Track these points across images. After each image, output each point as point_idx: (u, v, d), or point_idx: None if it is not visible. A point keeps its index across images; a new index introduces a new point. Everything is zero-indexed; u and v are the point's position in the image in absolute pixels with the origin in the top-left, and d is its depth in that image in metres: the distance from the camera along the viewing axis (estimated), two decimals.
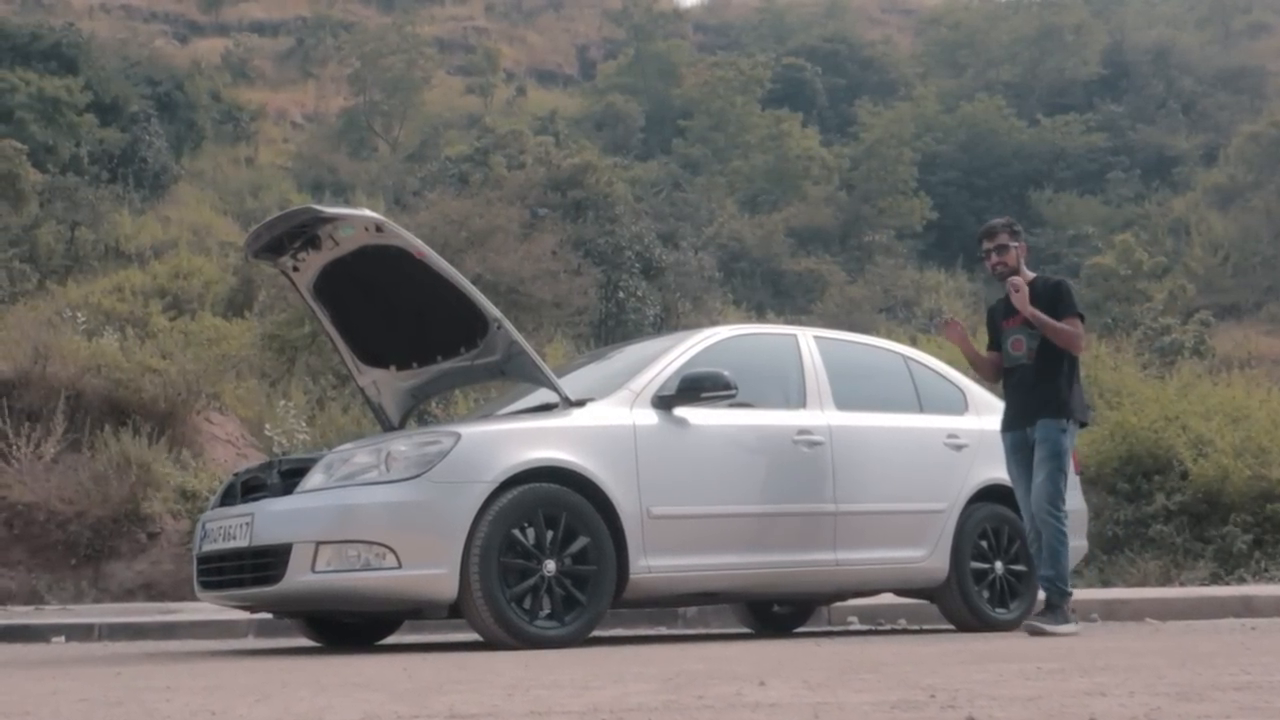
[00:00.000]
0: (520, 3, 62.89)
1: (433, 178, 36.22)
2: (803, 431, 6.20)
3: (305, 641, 6.72)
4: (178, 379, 12.80)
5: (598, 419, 5.64)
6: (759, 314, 31.94)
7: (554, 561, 5.31)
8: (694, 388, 5.77)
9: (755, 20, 60.44)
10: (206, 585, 5.76)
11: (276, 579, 5.16)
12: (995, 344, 6.60)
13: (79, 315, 16.70)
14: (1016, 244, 6.44)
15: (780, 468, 6.10)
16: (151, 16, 56.39)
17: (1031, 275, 6.47)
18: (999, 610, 6.75)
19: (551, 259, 22.12)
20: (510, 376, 6.21)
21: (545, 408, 5.84)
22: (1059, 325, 6.23)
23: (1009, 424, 6.40)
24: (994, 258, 6.43)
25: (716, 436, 5.93)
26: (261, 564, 5.25)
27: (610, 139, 45.79)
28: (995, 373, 6.60)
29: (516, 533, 5.23)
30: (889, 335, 21.82)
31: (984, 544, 6.75)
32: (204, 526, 5.73)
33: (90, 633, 8.13)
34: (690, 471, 5.81)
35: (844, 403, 6.45)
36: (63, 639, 7.94)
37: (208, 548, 5.62)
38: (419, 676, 3.72)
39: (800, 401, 6.36)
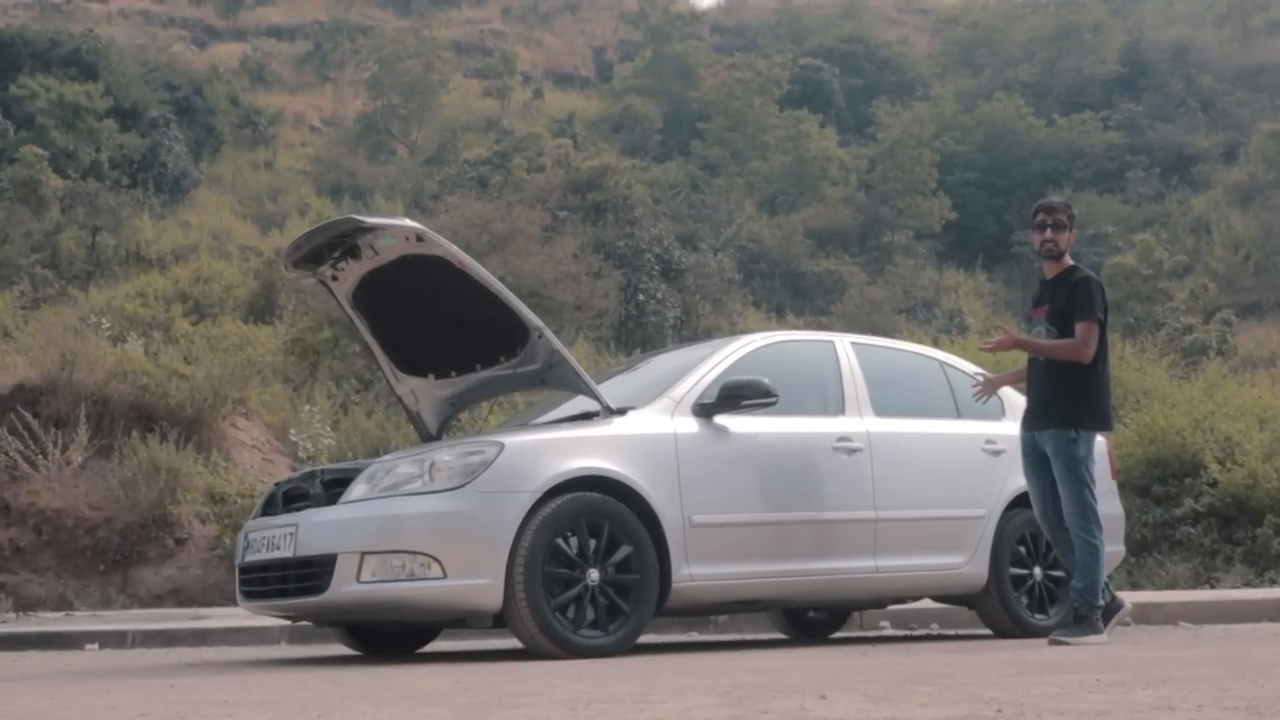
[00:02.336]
0: (536, 5, 62.90)
1: (452, 181, 36.33)
2: (842, 438, 6.19)
3: (339, 650, 6.74)
4: (204, 384, 12.84)
5: (639, 427, 5.64)
6: (779, 315, 31.89)
7: (597, 571, 5.31)
8: (734, 395, 5.77)
9: (772, 21, 60.26)
10: (250, 595, 5.78)
11: (321, 589, 5.18)
12: None
13: (104, 321, 16.77)
14: (1072, 227, 6.29)
15: (820, 475, 6.10)
16: (169, 22, 56.56)
17: (1070, 263, 6.30)
18: (1038, 616, 6.73)
19: (573, 262, 22.14)
20: (550, 385, 6.22)
21: (585, 416, 5.85)
22: (1051, 347, 6.08)
23: (1024, 422, 6.26)
24: (1049, 233, 6.20)
25: (756, 444, 5.93)
26: (306, 574, 5.27)
27: (628, 141, 45.76)
28: None
29: (560, 542, 5.24)
30: (910, 336, 21.79)
31: (1022, 549, 6.74)
32: (246, 537, 5.75)
33: (123, 639, 8.16)
34: (731, 479, 5.81)
35: (882, 409, 6.44)
36: (96, 646, 7.97)
37: (251, 558, 5.63)
38: (473, 689, 3.72)
39: (839, 408, 6.35)
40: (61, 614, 10.16)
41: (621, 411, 5.70)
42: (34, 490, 11.27)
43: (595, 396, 5.74)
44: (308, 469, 6.09)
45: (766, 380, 5.77)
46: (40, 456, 11.30)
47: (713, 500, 5.69)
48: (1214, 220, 38.96)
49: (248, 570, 5.72)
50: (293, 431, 14.07)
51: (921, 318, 31.60)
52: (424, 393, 6.50)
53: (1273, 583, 11.58)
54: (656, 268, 27.73)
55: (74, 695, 3.82)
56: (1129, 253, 32.83)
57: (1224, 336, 27.79)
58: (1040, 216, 6.27)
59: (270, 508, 5.83)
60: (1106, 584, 6.26)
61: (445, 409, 6.58)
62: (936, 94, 47.10)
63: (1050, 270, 6.30)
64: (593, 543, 5.32)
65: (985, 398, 6.44)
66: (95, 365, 12.59)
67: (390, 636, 6.35)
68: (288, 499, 5.74)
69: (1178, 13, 56.02)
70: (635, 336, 25.23)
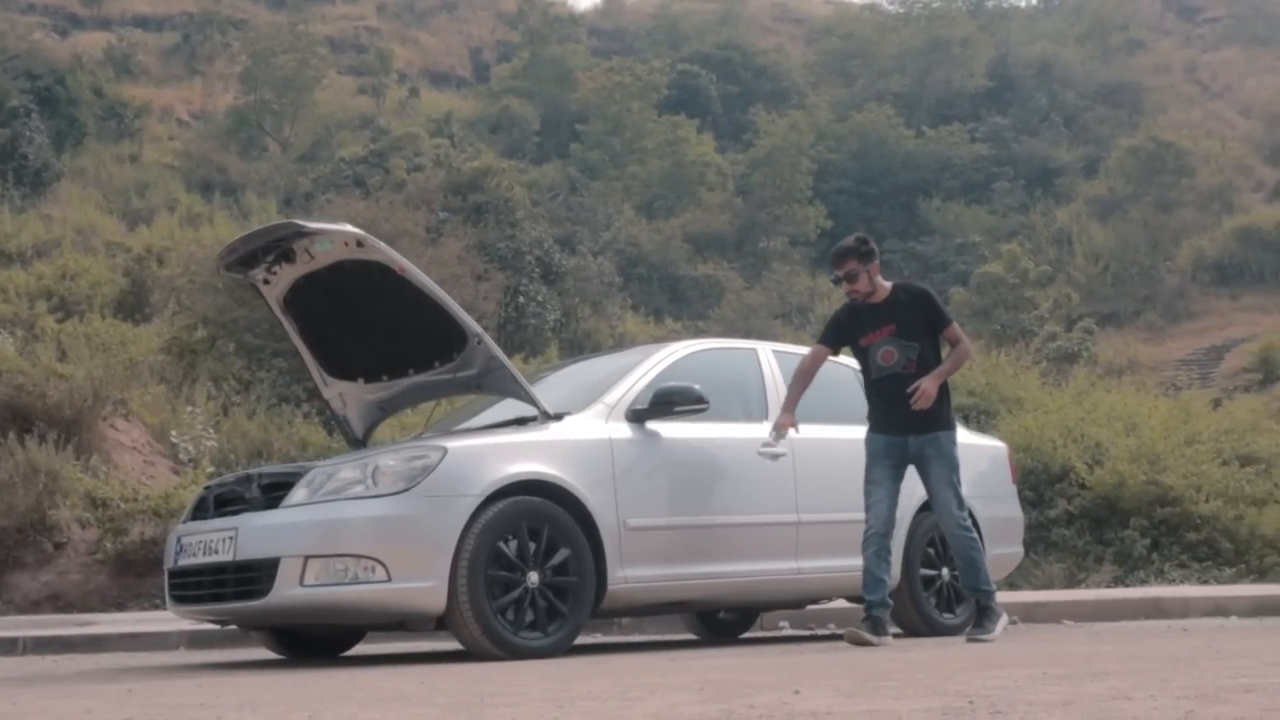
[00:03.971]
0: (413, 3, 62.30)
1: (326, 180, 35.88)
2: (766, 444, 6.37)
3: (257, 654, 6.72)
4: (84, 384, 12.56)
5: (576, 433, 5.75)
6: (657, 319, 32.18)
7: (537, 573, 5.41)
8: (666, 402, 5.91)
9: (650, 26, 60.65)
10: (181, 600, 5.73)
11: (263, 593, 5.18)
12: (843, 347, 6.52)
13: None
14: (868, 266, 6.24)
15: (746, 479, 6.28)
16: (29, 8, 54.66)
17: (889, 286, 6.36)
18: (945, 615, 7.00)
19: (457, 264, 22.02)
20: (486, 390, 6.27)
21: (519, 421, 5.93)
22: (954, 364, 6.28)
23: (885, 428, 6.30)
24: (846, 287, 6.27)
25: (686, 449, 6.08)
26: (246, 578, 5.26)
27: (505, 142, 45.63)
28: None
29: (501, 545, 5.32)
30: (788, 342, 22.15)
31: (931, 551, 7.00)
32: (179, 540, 5.69)
33: (14, 646, 7.97)
34: (663, 484, 5.95)
35: (803, 415, 6.61)
36: None
37: (185, 562, 5.59)
38: (444, 689, 3.79)
39: (762, 414, 6.53)
40: None
41: (558, 417, 5.80)
42: None
43: (533, 402, 5.83)
44: (241, 472, 6.05)
45: (698, 387, 5.92)
46: None
47: (646, 504, 5.83)
48: (1075, 232, 40.37)
49: (180, 574, 5.67)
50: (174, 433, 13.85)
51: (796, 323, 32.16)
52: (353, 396, 6.49)
53: (1142, 582, 12.14)
54: (537, 270, 27.77)
55: (35, 700, 3.79)
56: (996, 262, 33.85)
57: (1086, 344, 28.87)
58: (835, 273, 6.30)
59: (201, 511, 5.80)
60: None
61: (374, 413, 6.58)
62: (811, 103, 47.85)
63: (874, 299, 6.33)
64: (532, 546, 5.41)
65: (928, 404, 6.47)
66: None
67: (315, 640, 6.35)
68: (219, 503, 5.72)
69: (1042, 30, 57.77)
70: (515, 339, 25.22)
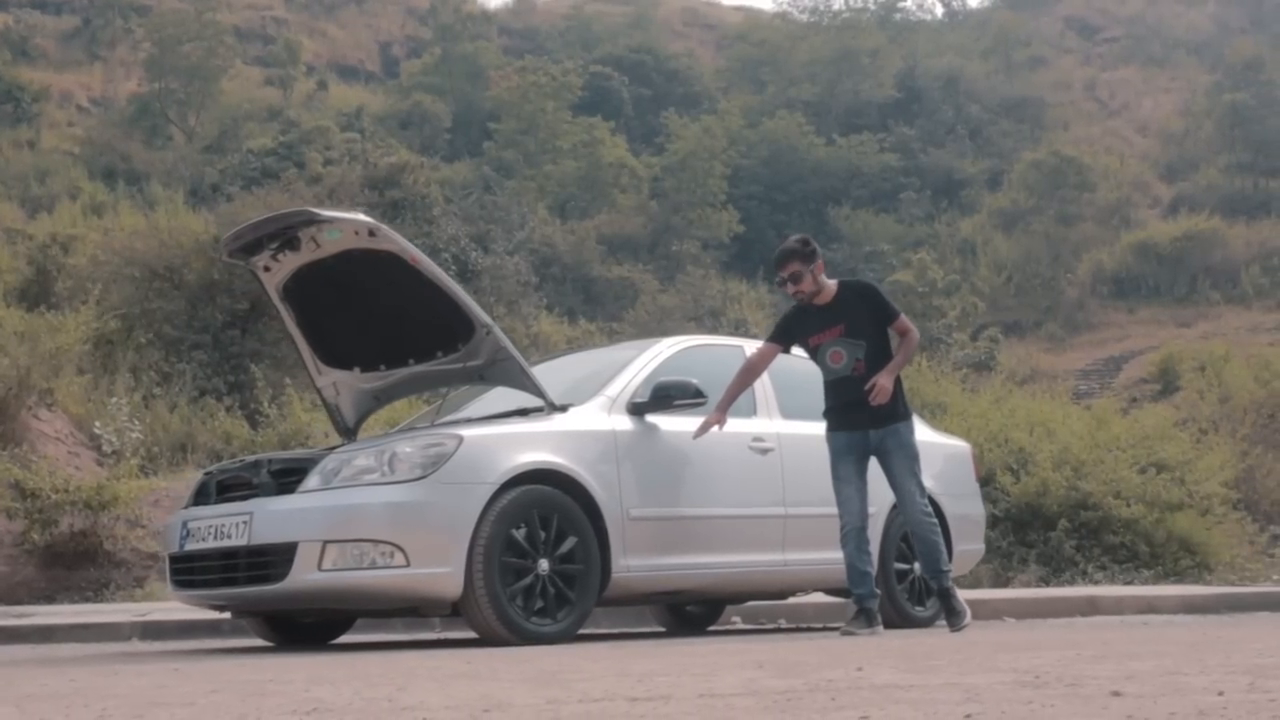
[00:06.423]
0: None
1: (233, 171, 35.36)
2: (756, 439, 6.54)
3: (210, 644, 6.70)
4: (9, 373, 12.34)
5: (582, 424, 5.86)
6: (571, 320, 32.23)
7: (547, 561, 5.50)
8: (666, 396, 6.05)
9: (562, 27, 60.64)
10: (186, 584, 5.72)
11: (279, 578, 5.20)
12: (793, 345, 6.60)
13: None
14: (812, 266, 6.35)
15: (738, 473, 6.43)
16: None
17: (834, 284, 6.45)
18: (917, 608, 7.22)
19: None
20: (489, 381, 6.32)
21: (521, 412, 6.01)
22: (906, 355, 6.47)
23: (844, 425, 6.43)
24: (792, 288, 6.37)
25: (683, 442, 6.21)
26: (260, 563, 5.27)
27: (416, 139, 45.31)
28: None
29: (514, 533, 5.41)
30: None
31: (904, 545, 7.20)
32: (185, 525, 5.67)
33: None
34: (663, 475, 6.09)
35: (788, 412, 6.81)
36: None
37: (193, 546, 5.58)
38: (497, 668, 3.87)
39: (750, 410, 6.69)
40: None
41: (563, 409, 5.90)
42: None
43: (540, 394, 5.91)
44: (249, 458, 6.04)
45: (696, 381, 6.07)
46: None
47: (647, 495, 5.95)
48: (980, 242, 41.27)
49: (186, 559, 5.66)
50: (98, 424, 13.65)
51: (709, 326, 32.41)
52: (347, 385, 6.48)
53: (1068, 583, 12.55)
54: (453, 268, 27.66)
55: (91, 679, 3.79)
56: (906, 270, 34.51)
57: (992, 353, 29.58)
58: (779, 275, 6.42)
59: (203, 497, 5.79)
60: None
61: (367, 402, 6.59)
62: (723, 108, 48.22)
63: (820, 299, 6.44)
64: (542, 534, 5.51)
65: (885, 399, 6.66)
66: None
67: (304, 628, 6.37)
68: (222, 489, 5.72)
69: (948, 43, 58.82)
70: None
